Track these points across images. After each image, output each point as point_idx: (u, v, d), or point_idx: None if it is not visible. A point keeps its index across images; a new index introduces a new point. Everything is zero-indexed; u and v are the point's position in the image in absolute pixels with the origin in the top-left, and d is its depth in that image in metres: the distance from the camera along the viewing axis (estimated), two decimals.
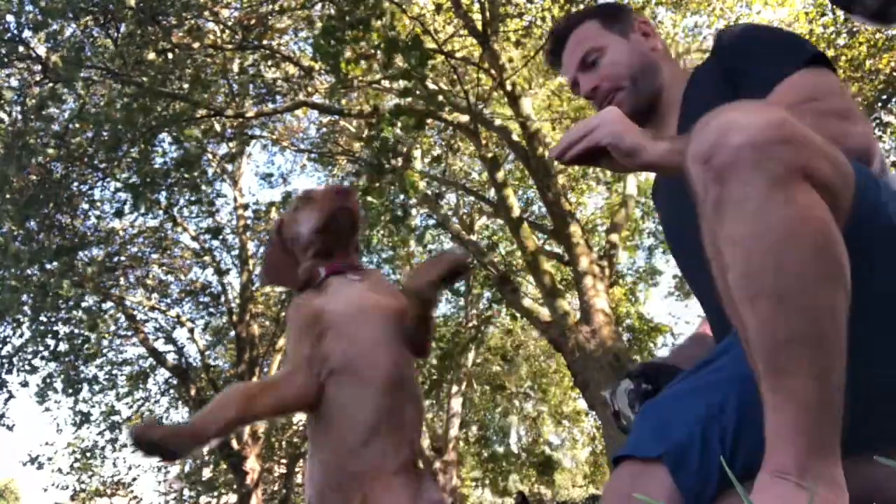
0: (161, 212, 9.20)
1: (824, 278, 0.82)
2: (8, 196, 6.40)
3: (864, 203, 0.91)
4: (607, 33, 1.49)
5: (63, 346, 8.97)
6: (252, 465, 11.11)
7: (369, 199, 7.00)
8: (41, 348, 8.62)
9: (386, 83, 7.10)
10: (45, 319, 8.13)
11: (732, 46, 1.32)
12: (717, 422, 1.00)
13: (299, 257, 1.62)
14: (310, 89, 7.57)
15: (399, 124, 6.54)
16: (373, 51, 5.89)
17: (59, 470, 12.61)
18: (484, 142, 8.09)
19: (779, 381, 0.83)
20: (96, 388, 11.18)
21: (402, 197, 7.53)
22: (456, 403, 14.44)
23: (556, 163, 7.61)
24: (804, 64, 1.18)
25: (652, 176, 1.72)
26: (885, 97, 7.88)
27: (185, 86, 6.78)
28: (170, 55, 6.54)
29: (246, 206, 11.99)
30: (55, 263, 6.86)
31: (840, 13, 7.92)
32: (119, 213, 7.46)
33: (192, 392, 11.36)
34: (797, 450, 0.82)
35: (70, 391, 10.03)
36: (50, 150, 6.50)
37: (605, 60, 1.47)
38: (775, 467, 0.83)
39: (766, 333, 0.83)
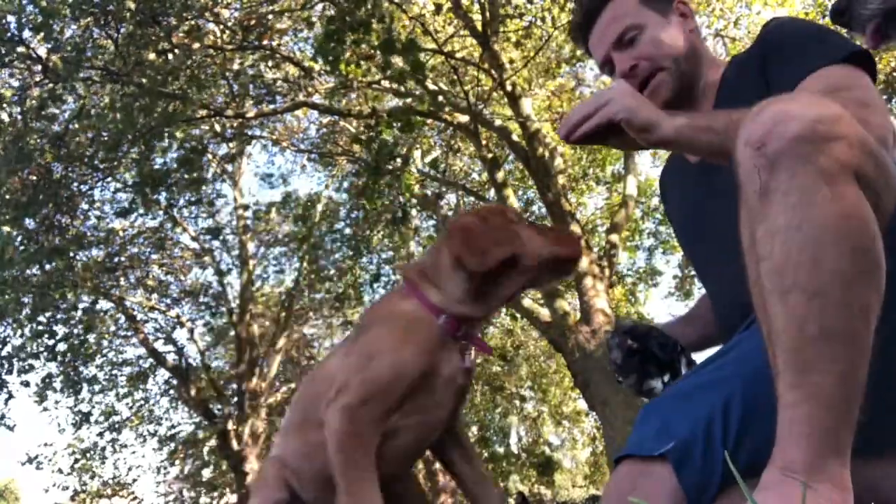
0: (161, 212, 9.20)
1: (861, 277, 0.81)
2: (7, 197, 6.40)
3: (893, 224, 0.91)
4: (646, 10, 1.40)
5: (62, 346, 8.97)
6: (252, 465, 11.10)
7: (366, 199, 7.00)
8: (40, 349, 8.61)
9: (386, 83, 7.10)
10: (44, 320, 8.13)
11: (773, 38, 1.31)
12: (720, 420, 0.99)
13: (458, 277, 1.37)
14: (310, 89, 7.57)
15: (395, 126, 6.54)
16: (373, 51, 5.89)
17: (60, 470, 12.60)
18: (484, 142, 8.08)
19: (801, 378, 0.82)
20: (96, 388, 11.18)
21: (401, 199, 7.53)
22: None
23: (556, 163, 7.63)
24: (838, 60, 1.16)
25: (654, 175, 1.71)
26: (885, 97, 7.87)
27: (185, 86, 6.78)
28: (170, 56, 6.54)
29: (246, 207, 12.00)
30: (53, 264, 6.86)
31: None
32: (123, 213, 7.46)
33: (193, 392, 11.36)
34: (810, 448, 0.81)
35: (70, 391, 10.02)
36: (48, 153, 6.49)
37: (645, 38, 1.38)
38: (784, 464, 0.82)
39: (795, 328, 0.82)
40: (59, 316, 8.48)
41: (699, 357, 1.38)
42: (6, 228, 6.42)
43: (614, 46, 1.40)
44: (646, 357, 1.36)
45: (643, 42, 1.38)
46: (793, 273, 0.82)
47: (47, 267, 6.88)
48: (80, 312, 9.24)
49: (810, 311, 0.81)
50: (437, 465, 13.76)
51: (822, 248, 0.81)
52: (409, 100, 7.40)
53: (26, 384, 9.06)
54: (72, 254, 7.56)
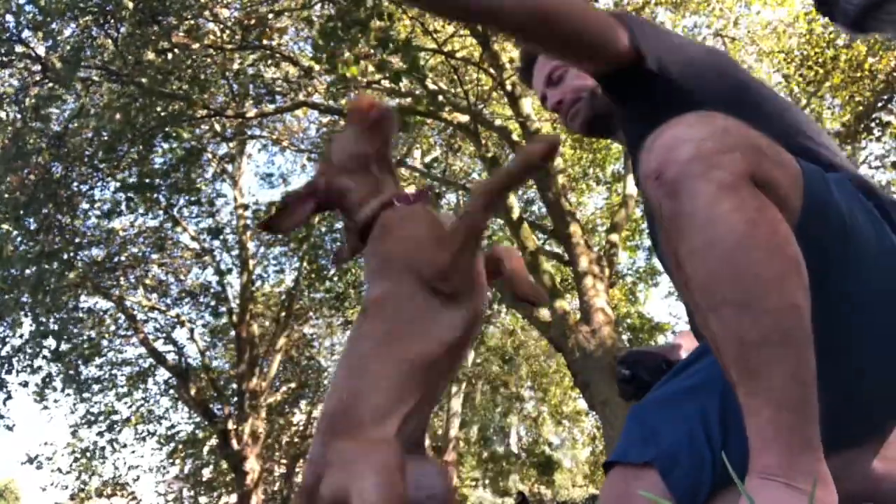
0: (161, 212, 9.21)
1: (782, 278, 0.83)
2: (7, 196, 6.40)
3: (812, 201, 0.92)
4: None
5: (63, 346, 8.97)
6: (252, 465, 11.11)
7: None
8: (39, 349, 8.61)
9: (385, 83, 7.10)
10: (43, 320, 8.13)
11: None
12: (702, 425, 1.01)
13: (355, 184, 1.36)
14: (310, 89, 7.57)
15: None
16: (371, 51, 5.89)
17: (59, 470, 12.61)
18: (484, 142, 8.08)
19: (753, 385, 0.84)
20: (96, 388, 11.19)
21: None
22: (456, 403, 14.44)
23: (556, 163, 7.63)
24: None
25: None
26: (885, 97, 7.87)
27: (185, 86, 6.78)
28: (169, 55, 6.54)
29: (246, 207, 11.99)
30: (53, 264, 6.86)
31: None
32: (109, 214, 7.45)
33: (192, 392, 11.36)
34: (780, 449, 0.82)
35: (74, 390, 10.02)
36: (46, 152, 6.49)
37: (569, 75, 1.56)
38: (762, 469, 0.83)
39: (733, 339, 0.84)
40: (59, 316, 8.48)
41: None
42: (5, 227, 6.42)
43: (546, 84, 1.61)
44: (640, 383, 1.45)
45: (567, 80, 1.57)
46: (717, 288, 0.85)
47: (45, 267, 6.87)
48: (78, 312, 9.25)
49: (743, 321, 0.83)
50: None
51: (738, 258, 0.83)
52: (406, 100, 7.39)
53: (25, 384, 9.07)
54: (72, 254, 7.56)
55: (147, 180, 6.87)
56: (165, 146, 7.43)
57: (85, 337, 9.64)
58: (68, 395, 10.32)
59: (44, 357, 8.85)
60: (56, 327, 8.38)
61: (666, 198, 0.88)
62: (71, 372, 9.98)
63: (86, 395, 11.06)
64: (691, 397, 1.05)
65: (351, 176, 1.39)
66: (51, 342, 8.59)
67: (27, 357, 8.60)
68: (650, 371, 1.44)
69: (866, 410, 0.99)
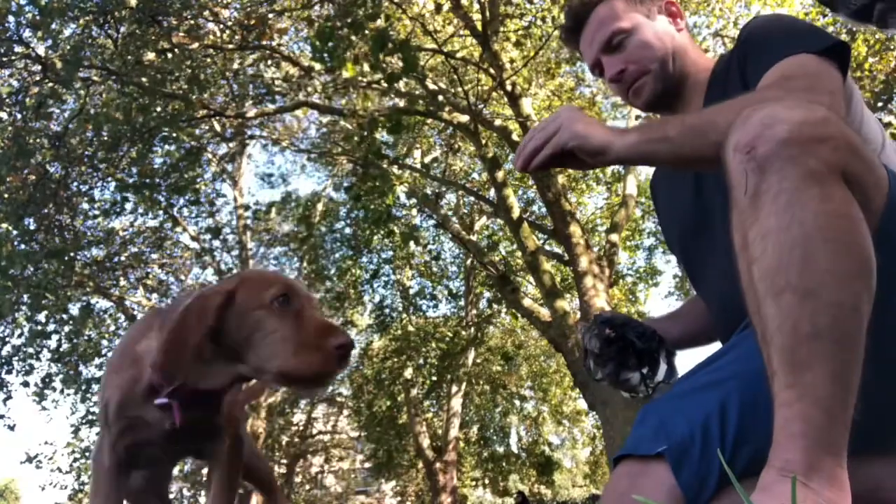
0: (161, 212, 9.20)
1: (852, 276, 0.83)
2: (6, 196, 6.40)
3: (894, 208, 0.92)
4: (633, 13, 1.41)
5: (64, 346, 8.96)
6: None
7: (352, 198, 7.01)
8: (38, 349, 8.60)
9: (384, 84, 7.10)
10: (42, 319, 8.14)
11: (750, 34, 1.31)
12: (718, 419, 1.00)
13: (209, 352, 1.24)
14: (310, 89, 7.57)
15: (380, 126, 6.55)
16: (369, 51, 5.89)
17: (59, 469, 12.61)
18: (484, 142, 8.08)
19: (793, 377, 0.83)
20: (95, 388, 11.18)
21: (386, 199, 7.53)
22: (456, 403, 14.43)
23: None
24: (804, 51, 1.15)
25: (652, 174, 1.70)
26: (885, 97, 7.87)
27: (185, 86, 6.78)
28: (169, 55, 6.54)
29: (246, 207, 12.00)
30: (52, 265, 6.86)
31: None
32: (106, 213, 7.44)
33: None
34: (806, 447, 0.81)
35: (73, 390, 10.02)
36: (46, 152, 6.48)
37: (633, 42, 1.39)
38: (782, 464, 0.82)
39: (787, 327, 0.83)
40: (57, 316, 8.47)
41: (684, 356, 1.35)
42: (4, 226, 6.42)
43: (603, 50, 1.41)
44: (624, 346, 1.33)
45: (630, 46, 1.39)
46: (784, 273, 0.84)
47: (46, 267, 6.87)
48: (77, 312, 9.23)
49: (803, 311, 0.82)
50: (437, 465, 13.77)
51: (813, 247, 0.82)
52: (402, 101, 7.40)
53: (26, 384, 9.06)
54: (71, 253, 7.55)
55: (147, 180, 6.87)
56: (165, 147, 7.43)
57: (85, 337, 9.61)
58: (68, 395, 10.31)
59: (40, 357, 8.84)
60: (53, 327, 8.38)
61: (753, 172, 0.87)
62: (70, 372, 9.96)
63: (86, 395, 11.05)
64: (711, 391, 1.04)
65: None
66: (50, 342, 8.60)
67: (24, 356, 8.59)
68: (641, 337, 1.33)
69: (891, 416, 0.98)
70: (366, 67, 5.86)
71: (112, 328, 11.28)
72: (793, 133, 0.85)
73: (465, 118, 7.57)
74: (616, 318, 1.39)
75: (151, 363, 1.28)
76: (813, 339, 0.82)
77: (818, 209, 0.83)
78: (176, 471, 14.22)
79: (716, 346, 1.27)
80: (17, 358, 8.54)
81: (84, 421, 11.51)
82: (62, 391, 9.96)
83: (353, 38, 5.57)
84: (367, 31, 5.54)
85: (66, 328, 8.72)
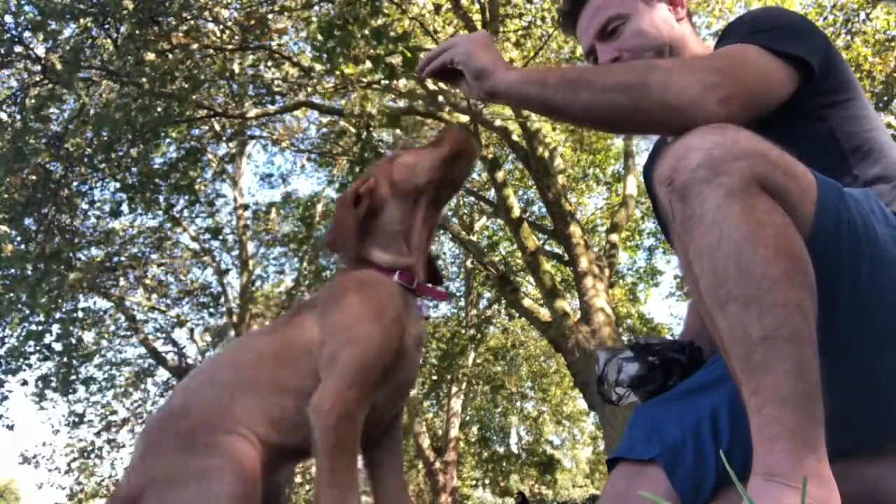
0: (161, 212, 9.20)
1: (787, 277, 0.85)
2: (6, 196, 6.40)
3: (824, 212, 0.94)
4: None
5: (58, 346, 8.96)
6: None
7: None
8: (35, 348, 8.60)
9: (384, 83, 7.10)
10: (41, 319, 8.13)
11: (732, 25, 1.27)
12: (709, 423, 1.01)
13: (388, 225, 1.40)
14: (310, 89, 7.57)
15: (376, 123, 6.54)
16: (369, 49, 5.89)
17: (57, 469, 12.62)
18: (484, 142, 8.08)
19: (757, 381, 0.85)
20: (94, 388, 11.18)
21: None
22: (456, 403, 14.43)
23: (556, 163, 7.64)
24: (759, 45, 1.09)
25: None
26: (885, 98, 7.87)
27: (185, 86, 6.78)
28: (169, 56, 6.54)
29: (246, 207, 12.00)
30: (52, 265, 6.85)
31: (839, 14, 7.92)
32: (113, 214, 7.44)
33: None
34: (783, 449, 0.83)
35: (65, 391, 10.01)
36: (46, 153, 6.48)
37: (628, 29, 1.34)
38: (765, 469, 0.83)
39: (738, 336, 0.86)
40: (56, 315, 8.47)
41: None
42: (3, 227, 6.42)
43: (598, 37, 1.37)
44: (668, 367, 1.29)
45: (626, 33, 1.34)
46: (724, 286, 0.87)
47: (43, 268, 6.86)
48: (79, 313, 9.24)
49: (749, 317, 0.85)
50: (438, 465, 13.76)
51: (745, 257, 0.86)
52: (401, 101, 7.39)
53: (24, 383, 9.06)
54: (71, 254, 7.55)
55: (146, 180, 6.87)
56: (164, 147, 7.43)
57: (78, 336, 9.60)
58: (64, 394, 10.31)
59: (39, 357, 8.83)
60: (52, 327, 8.37)
61: (676, 202, 0.91)
62: (65, 371, 9.96)
63: (84, 395, 11.06)
64: (701, 395, 1.05)
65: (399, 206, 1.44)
66: (47, 342, 8.58)
67: (23, 356, 8.58)
68: (680, 350, 1.27)
69: (878, 418, 0.99)
70: (367, 65, 5.86)
71: (112, 328, 11.29)
72: (705, 158, 0.88)
73: (465, 118, 7.57)
74: (651, 341, 1.35)
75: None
76: (764, 342, 0.84)
77: (742, 221, 0.86)
78: None
79: None
80: (13, 357, 8.54)
81: (80, 420, 11.52)
82: (57, 390, 9.94)
83: (354, 34, 5.56)
84: (367, 30, 5.54)
85: (56, 328, 8.68)
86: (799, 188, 0.93)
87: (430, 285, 1.47)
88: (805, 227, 0.91)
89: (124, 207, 7.10)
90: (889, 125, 8.15)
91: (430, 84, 7.50)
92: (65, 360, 9.36)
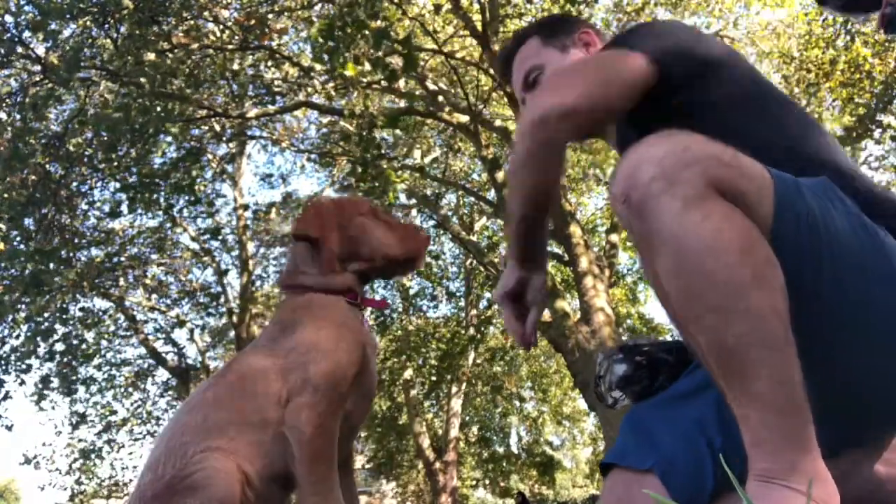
0: (161, 212, 9.20)
1: (755, 281, 0.84)
2: (6, 196, 6.39)
3: (782, 208, 0.93)
4: (547, 49, 1.47)
5: (59, 347, 8.96)
6: None
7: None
8: (37, 348, 8.60)
9: (384, 84, 7.10)
10: (40, 319, 8.13)
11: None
12: (702, 429, 1.01)
13: (335, 263, 1.50)
14: (310, 89, 7.57)
15: (380, 123, 6.55)
16: (370, 50, 5.89)
17: (58, 470, 12.61)
18: (484, 142, 8.08)
19: (739, 389, 0.84)
20: (94, 388, 11.19)
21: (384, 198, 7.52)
22: (456, 404, 14.43)
23: None
24: (620, 47, 1.18)
25: None
26: (885, 99, 7.87)
27: (185, 86, 6.78)
28: (169, 56, 6.54)
29: (246, 207, 11.99)
30: (51, 264, 6.85)
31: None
32: (113, 214, 7.45)
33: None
34: (775, 452, 0.82)
35: (66, 391, 10.01)
36: (44, 152, 6.48)
37: (544, 78, 1.46)
38: (761, 473, 0.83)
39: (715, 346, 0.85)
40: (56, 315, 8.47)
41: None
42: (2, 226, 6.43)
43: (523, 88, 1.49)
44: (655, 367, 1.30)
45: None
46: (694, 299, 0.86)
47: (42, 267, 6.86)
48: (79, 313, 9.24)
49: (723, 327, 0.84)
50: (437, 465, 13.77)
51: (710, 266, 0.84)
52: (402, 101, 7.39)
53: (23, 383, 9.06)
54: (70, 253, 7.55)
55: (147, 180, 6.87)
56: (163, 146, 7.43)
57: (82, 337, 9.61)
58: (66, 394, 10.31)
59: (38, 357, 8.83)
60: (54, 327, 8.37)
61: (635, 219, 0.89)
62: (66, 372, 9.96)
63: (84, 395, 11.06)
64: (689, 401, 1.05)
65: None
66: (47, 342, 8.58)
67: (24, 356, 8.58)
68: (669, 351, 1.29)
69: (860, 414, 0.98)
70: (367, 66, 5.86)
71: (112, 328, 11.29)
72: (657, 170, 0.87)
73: (465, 118, 7.57)
74: (640, 342, 1.38)
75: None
76: (741, 349, 0.83)
77: (703, 230, 0.84)
78: None
79: None
80: (14, 357, 8.54)
81: (80, 421, 11.51)
82: (58, 390, 9.94)
83: (355, 35, 5.56)
84: (367, 31, 5.54)
85: (66, 328, 8.70)
86: (755, 188, 0.92)
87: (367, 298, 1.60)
88: (765, 227, 0.90)
89: (124, 208, 7.10)
90: (889, 125, 8.15)
91: (430, 84, 7.51)
92: (66, 360, 9.37)
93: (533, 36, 1.51)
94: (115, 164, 6.89)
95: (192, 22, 6.58)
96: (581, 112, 1.09)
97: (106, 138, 6.46)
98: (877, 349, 0.95)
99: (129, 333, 11.52)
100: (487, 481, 18.71)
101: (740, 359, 0.83)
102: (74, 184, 7.27)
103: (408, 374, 13.09)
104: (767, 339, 0.83)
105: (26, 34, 6.14)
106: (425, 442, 13.98)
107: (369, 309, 1.57)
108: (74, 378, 9.99)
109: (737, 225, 0.86)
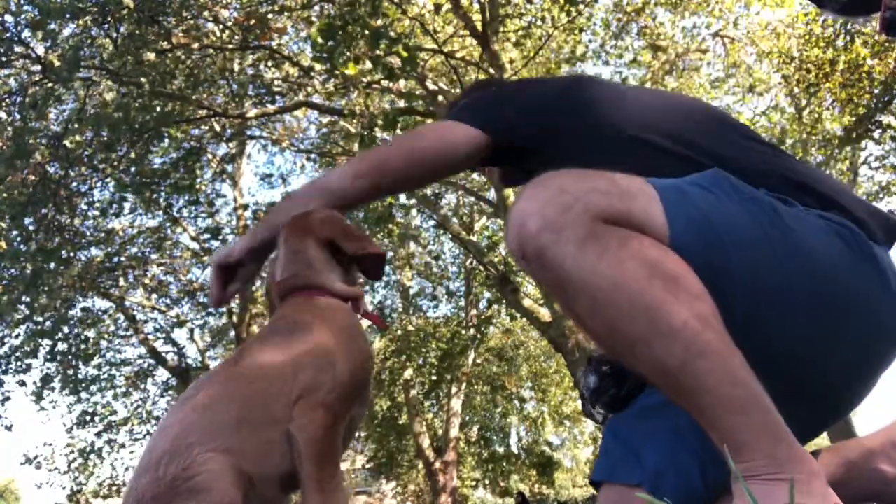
0: (161, 212, 9.20)
1: (671, 295, 0.83)
2: (6, 196, 6.39)
3: (673, 214, 0.92)
4: None
5: (60, 346, 8.95)
6: None
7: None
8: (38, 347, 8.59)
9: (384, 83, 7.10)
10: (40, 319, 8.13)
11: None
12: (682, 440, 1.01)
13: (353, 271, 1.55)
14: (309, 89, 7.57)
15: (379, 123, 6.54)
16: (369, 49, 5.89)
17: (58, 470, 12.61)
18: None
19: (698, 404, 0.84)
20: (94, 388, 11.18)
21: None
22: (456, 404, 14.43)
23: None
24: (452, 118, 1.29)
25: None
26: (885, 99, 7.87)
27: (185, 86, 6.78)
28: (169, 56, 6.54)
29: (246, 207, 11.99)
30: (52, 265, 6.85)
31: None
32: (104, 213, 7.45)
33: None
34: (753, 449, 0.82)
35: (70, 390, 10.02)
36: (44, 152, 6.48)
37: None
38: (745, 472, 0.83)
39: (656, 372, 0.85)
40: (56, 315, 8.47)
41: None
42: (2, 224, 6.43)
43: None
44: (619, 375, 1.32)
45: None
46: (619, 334, 0.85)
47: (43, 266, 6.86)
48: (78, 312, 9.23)
49: (657, 353, 0.83)
50: (437, 465, 13.77)
51: (621, 299, 0.83)
52: (401, 101, 7.39)
53: (22, 384, 9.05)
54: (70, 253, 7.55)
55: (146, 180, 6.87)
56: (163, 146, 7.43)
57: (83, 337, 9.61)
58: (66, 395, 10.31)
59: (41, 357, 8.83)
60: (52, 326, 8.37)
61: (538, 272, 0.89)
62: (69, 372, 9.96)
63: (83, 395, 11.05)
64: (662, 412, 1.05)
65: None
66: (47, 342, 8.58)
67: (24, 356, 8.58)
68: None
69: (792, 397, 0.98)
70: (367, 65, 5.86)
71: (112, 328, 11.29)
72: (542, 222, 0.87)
73: None
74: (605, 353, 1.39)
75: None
76: (683, 368, 0.82)
77: (603, 267, 0.84)
78: None
79: None
80: (14, 357, 8.54)
81: (79, 421, 11.51)
82: (61, 391, 9.95)
83: (355, 35, 5.56)
84: (367, 30, 5.54)
85: (66, 328, 8.70)
86: (641, 206, 0.91)
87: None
88: (664, 238, 0.90)
89: (121, 207, 7.11)
90: (889, 125, 8.15)
91: (430, 84, 7.51)
92: (68, 359, 9.37)
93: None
94: (115, 163, 6.89)
95: (192, 22, 6.58)
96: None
97: (105, 138, 6.46)
98: (800, 325, 0.94)
99: (129, 333, 11.52)
100: (487, 481, 18.71)
101: (684, 377, 0.82)
102: (74, 184, 7.27)
103: (408, 374, 13.08)
104: (704, 349, 0.82)
105: (26, 34, 6.14)
106: (425, 442, 13.97)
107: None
108: (77, 378, 9.99)
109: (634, 249, 0.85)
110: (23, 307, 7.67)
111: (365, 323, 1.55)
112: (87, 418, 11.47)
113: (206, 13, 6.67)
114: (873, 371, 1.02)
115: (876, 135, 8.26)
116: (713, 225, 0.93)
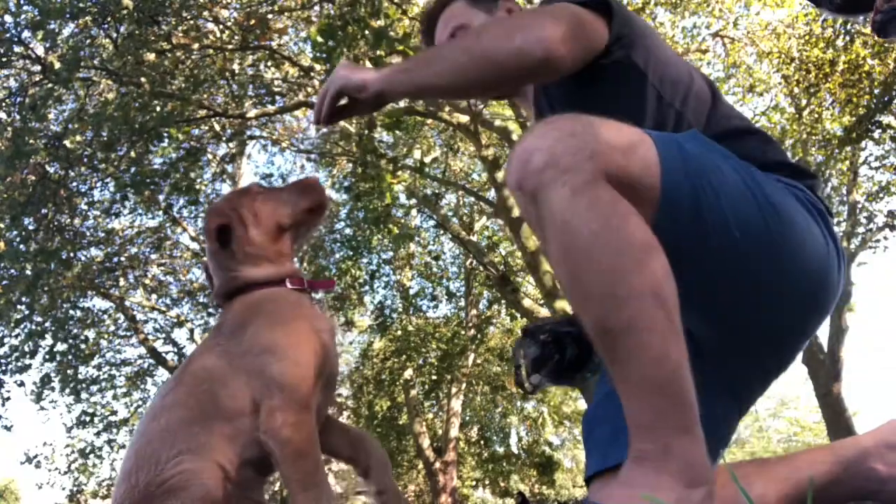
0: (161, 212, 9.20)
1: (638, 267, 0.85)
2: (5, 195, 6.40)
3: (668, 173, 0.95)
4: (473, 10, 1.50)
5: (60, 346, 8.95)
6: None
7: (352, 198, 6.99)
8: (36, 348, 8.59)
9: None
10: (40, 319, 8.13)
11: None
12: None
13: (266, 248, 1.48)
14: (309, 89, 7.57)
15: (379, 123, 6.55)
16: (369, 50, 5.89)
17: (58, 470, 12.61)
18: (484, 142, 8.08)
19: (623, 372, 0.86)
20: (94, 388, 11.18)
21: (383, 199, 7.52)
22: (456, 404, 14.43)
23: None
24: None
25: None
26: (885, 99, 7.87)
27: (185, 86, 6.78)
28: (169, 56, 6.54)
29: None
30: (52, 266, 6.85)
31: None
32: (107, 213, 7.45)
33: None
34: (652, 432, 0.84)
35: (69, 390, 10.01)
36: (43, 152, 6.48)
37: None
38: (637, 454, 0.85)
39: (601, 330, 0.87)
40: (56, 315, 8.47)
41: None
42: (1, 225, 6.43)
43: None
44: (561, 343, 1.32)
45: None
46: (580, 284, 0.88)
47: (42, 266, 6.86)
48: (78, 312, 9.23)
49: (607, 312, 0.86)
50: (437, 465, 13.77)
51: (595, 253, 0.86)
52: (401, 101, 7.39)
53: (21, 384, 9.05)
54: (70, 254, 7.55)
55: (146, 179, 6.87)
56: (163, 147, 7.43)
57: (83, 337, 9.61)
58: (66, 395, 10.31)
59: (41, 357, 8.83)
60: (53, 326, 8.37)
61: (530, 206, 0.92)
62: (69, 372, 9.96)
63: (83, 395, 11.05)
64: None
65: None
66: (47, 342, 8.58)
67: (23, 356, 8.57)
68: (571, 322, 1.29)
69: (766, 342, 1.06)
70: (367, 65, 5.86)
71: (111, 328, 11.29)
72: (548, 159, 0.89)
73: (465, 118, 7.57)
74: (542, 323, 1.40)
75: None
76: (625, 333, 0.84)
77: (590, 217, 0.86)
78: None
79: None
80: (13, 358, 8.53)
81: (79, 421, 11.51)
82: (61, 391, 9.94)
83: (355, 35, 5.56)
84: (367, 30, 5.54)
85: (66, 328, 8.69)
86: (640, 160, 0.93)
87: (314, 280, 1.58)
88: (654, 194, 0.93)
89: (121, 207, 7.11)
90: (889, 126, 8.15)
91: None
92: (68, 359, 9.36)
93: None
94: (115, 163, 6.89)
95: (192, 22, 6.58)
96: (566, 58, 1.09)
97: (105, 138, 6.46)
98: (766, 269, 0.99)
99: (129, 333, 11.52)
100: (487, 481, 18.71)
101: (624, 343, 0.85)
102: (74, 184, 7.27)
103: (408, 374, 13.08)
104: (651, 323, 0.84)
105: (26, 34, 6.14)
106: (425, 442, 13.97)
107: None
108: (76, 378, 9.98)
109: (620, 211, 0.88)
110: (23, 307, 7.67)
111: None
112: (87, 418, 11.47)
113: (206, 13, 6.67)
114: (813, 323, 1.09)
115: (876, 135, 8.25)
116: (703, 169, 0.97)
